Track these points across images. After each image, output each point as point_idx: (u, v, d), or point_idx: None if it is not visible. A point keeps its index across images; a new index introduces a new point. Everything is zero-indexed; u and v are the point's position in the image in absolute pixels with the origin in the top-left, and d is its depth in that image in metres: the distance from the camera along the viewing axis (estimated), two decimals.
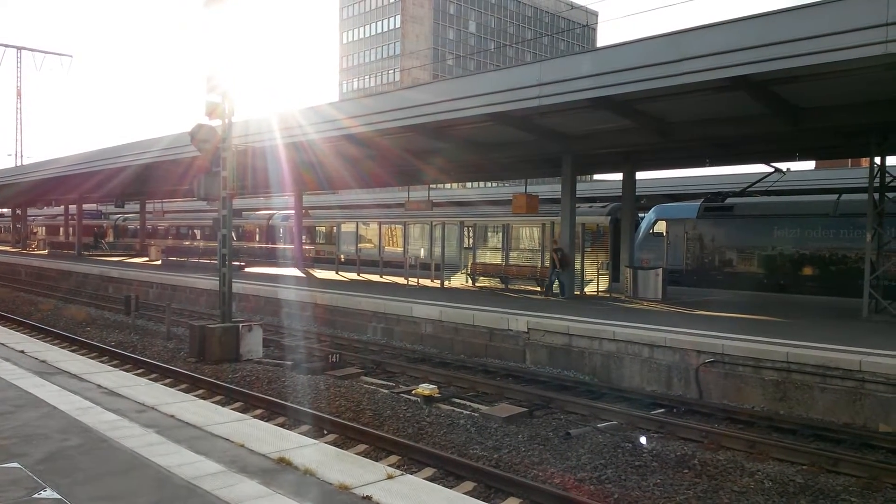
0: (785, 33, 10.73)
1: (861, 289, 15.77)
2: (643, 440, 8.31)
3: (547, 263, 22.58)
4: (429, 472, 7.92)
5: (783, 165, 22.44)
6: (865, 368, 9.95)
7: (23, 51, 74.87)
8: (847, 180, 30.05)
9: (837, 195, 22.33)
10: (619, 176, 24.43)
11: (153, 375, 12.89)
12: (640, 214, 26.47)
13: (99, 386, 9.05)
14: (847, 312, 16.26)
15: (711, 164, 24.15)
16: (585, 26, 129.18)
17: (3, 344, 12.29)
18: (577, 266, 21.08)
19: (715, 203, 24.25)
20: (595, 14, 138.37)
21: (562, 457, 8.39)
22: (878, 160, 15.78)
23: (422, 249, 28.87)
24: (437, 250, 26.75)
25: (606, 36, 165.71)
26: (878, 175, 15.72)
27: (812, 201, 23.11)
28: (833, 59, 10.38)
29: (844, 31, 10.10)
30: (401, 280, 25.32)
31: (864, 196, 16.50)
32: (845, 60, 10.38)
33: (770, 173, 22.63)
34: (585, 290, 21.84)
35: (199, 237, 46.34)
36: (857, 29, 9.98)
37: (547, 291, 20.63)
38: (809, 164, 41.95)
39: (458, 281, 25.67)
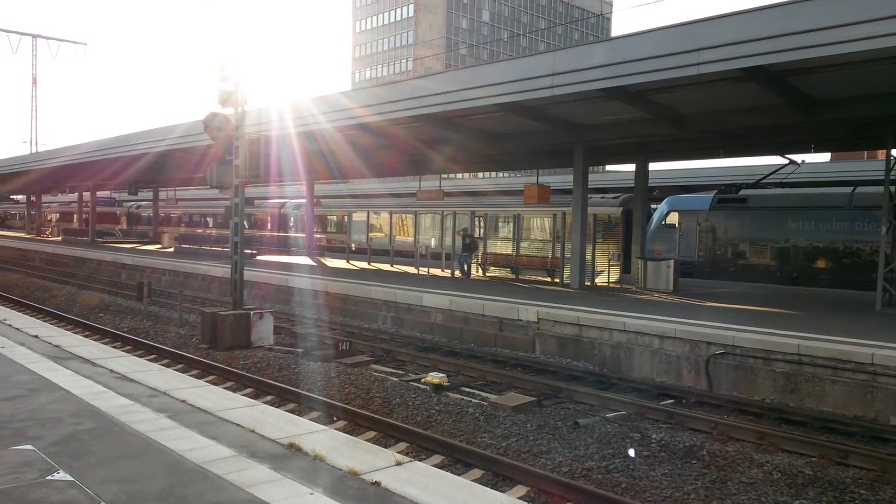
0: (802, 23, 10.60)
1: (875, 282, 15.66)
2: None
3: (558, 254, 22.58)
4: (437, 459, 7.96)
5: (798, 157, 22.25)
6: (878, 361, 9.89)
7: (38, 39, 75.26)
8: (862, 173, 29.77)
9: (852, 188, 22.13)
10: (631, 167, 24.30)
11: (165, 361, 13.00)
12: (653, 206, 26.35)
13: (112, 371, 9.14)
14: (860, 305, 16.15)
15: (725, 156, 23.99)
16: (600, 16, 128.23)
17: (17, 329, 12.43)
18: (589, 257, 21.08)
19: (728, 195, 24.08)
20: (610, 3, 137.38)
21: (570, 446, 8.41)
22: (894, 152, 15.61)
23: (433, 239, 28.88)
24: (448, 240, 26.73)
25: (621, 26, 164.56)
26: (895, 167, 15.57)
27: (827, 194, 22.90)
28: (850, 49, 10.25)
29: (862, 21, 9.97)
30: (411, 269, 25.36)
31: (880, 189, 16.33)
32: (862, 51, 10.26)
33: (784, 165, 22.43)
34: (596, 280, 21.80)
35: (211, 225, 46.58)
36: (875, 19, 9.85)
37: (464, 274, 23.07)
38: (825, 157, 41.56)
39: None
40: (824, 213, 21.36)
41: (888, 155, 15.68)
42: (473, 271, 25.36)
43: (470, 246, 23.28)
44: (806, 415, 9.97)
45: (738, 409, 10.41)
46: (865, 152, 36.42)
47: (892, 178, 15.43)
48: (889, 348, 10.24)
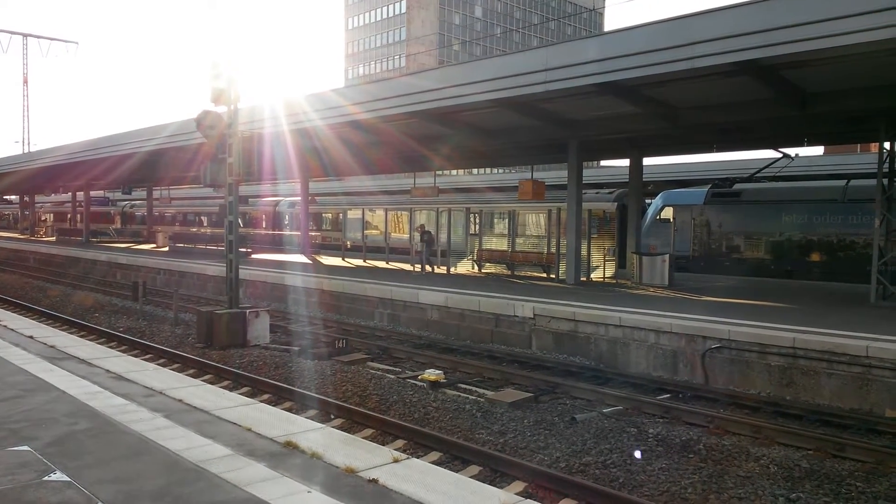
0: (795, 16, 10.61)
1: (869, 275, 15.72)
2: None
3: (553, 250, 22.60)
4: (435, 456, 7.96)
5: (791, 151, 22.29)
6: (872, 354, 9.94)
7: (29, 38, 74.83)
8: (856, 166, 29.87)
9: (846, 181, 22.21)
10: (625, 162, 24.31)
11: (161, 360, 12.97)
12: (647, 200, 26.39)
13: (107, 371, 9.11)
14: (854, 298, 16.21)
15: (719, 150, 24.02)
16: (592, 10, 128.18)
17: (12, 329, 12.39)
18: (584, 252, 21.10)
19: (722, 189, 24.13)
20: None
21: (567, 441, 8.41)
22: (887, 145, 15.66)
23: None
24: (443, 237, 26.73)
25: (614, 20, 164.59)
26: (888, 160, 15.61)
27: (820, 187, 22.99)
28: (843, 42, 10.26)
29: (854, 14, 9.99)
30: (407, 266, 25.34)
31: (873, 181, 16.38)
32: (855, 44, 10.27)
33: (778, 159, 22.49)
34: (592, 276, 21.82)
35: (205, 224, 46.45)
36: (867, 12, 9.87)
37: (423, 269, 23.71)
38: (818, 150, 41.62)
39: (464, 267, 25.68)
40: (818, 206, 21.42)
41: (881, 148, 15.72)
42: (470, 268, 25.39)
43: (428, 241, 24.06)
44: (802, 408, 10.01)
45: (734, 403, 10.44)
46: (859, 145, 36.51)
47: (885, 170, 15.48)
48: (883, 341, 10.28)
